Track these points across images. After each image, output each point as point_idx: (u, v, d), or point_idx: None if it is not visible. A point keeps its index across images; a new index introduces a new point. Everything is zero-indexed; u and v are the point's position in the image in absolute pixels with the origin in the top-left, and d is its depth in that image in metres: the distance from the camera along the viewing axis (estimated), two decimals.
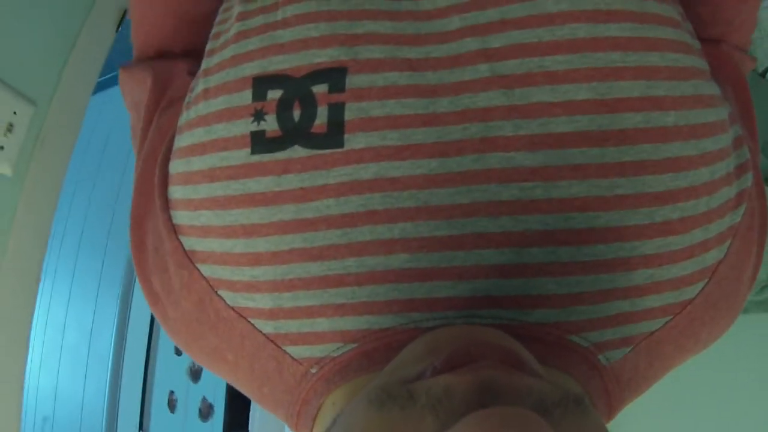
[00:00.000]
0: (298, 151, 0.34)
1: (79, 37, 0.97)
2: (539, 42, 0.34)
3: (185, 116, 0.39)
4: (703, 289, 0.36)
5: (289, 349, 0.35)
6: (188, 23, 0.48)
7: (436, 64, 0.34)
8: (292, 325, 0.35)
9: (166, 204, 0.38)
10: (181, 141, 0.38)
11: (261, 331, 0.36)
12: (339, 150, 0.34)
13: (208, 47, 0.40)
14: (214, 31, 0.41)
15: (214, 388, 1.60)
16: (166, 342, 1.49)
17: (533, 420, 0.22)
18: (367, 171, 0.34)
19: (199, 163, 0.37)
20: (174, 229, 0.38)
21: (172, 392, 1.52)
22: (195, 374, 1.56)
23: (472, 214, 0.34)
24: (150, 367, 1.56)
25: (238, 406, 1.53)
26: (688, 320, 0.36)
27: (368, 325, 0.34)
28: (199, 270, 0.37)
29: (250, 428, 1.26)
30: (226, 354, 0.37)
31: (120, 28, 1.11)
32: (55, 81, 0.92)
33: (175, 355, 1.55)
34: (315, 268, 0.34)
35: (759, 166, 0.39)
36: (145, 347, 1.56)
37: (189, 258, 0.37)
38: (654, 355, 0.37)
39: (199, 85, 0.38)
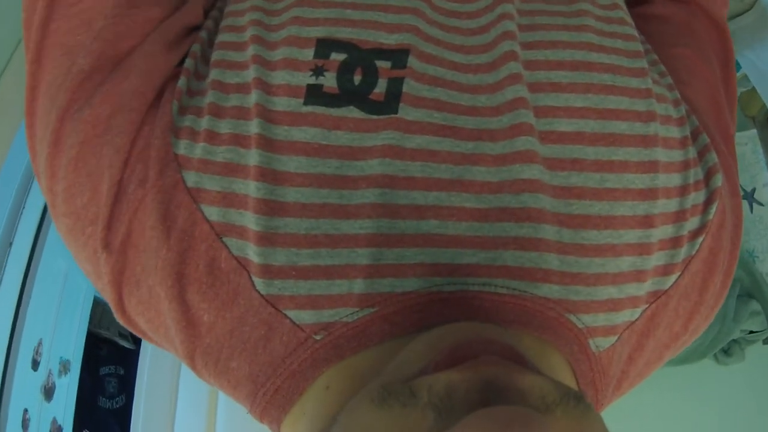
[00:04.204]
0: (353, 111, 0.37)
1: None
2: (546, 60, 0.40)
3: (220, 54, 0.39)
4: (676, 281, 0.40)
5: (292, 312, 0.35)
6: None
7: (477, 68, 0.40)
8: (303, 286, 0.35)
9: (168, 126, 0.36)
10: (218, 76, 0.38)
11: (260, 292, 0.35)
12: (393, 116, 0.37)
13: (265, 5, 0.41)
14: None
15: (63, 410, 1.40)
16: (25, 354, 1.38)
17: (535, 419, 0.22)
18: (412, 141, 0.37)
19: (240, 99, 0.37)
20: (177, 160, 0.36)
21: (26, 411, 1.37)
22: (48, 392, 1.39)
23: (497, 191, 0.37)
24: (6, 382, 1.23)
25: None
26: (663, 311, 0.40)
27: (390, 288, 0.35)
28: (202, 211, 0.35)
29: None
30: (202, 315, 0.35)
31: None
32: (10, 53, 0.87)
33: (32, 371, 1.37)
34: (346, 226, 0.35)
35: (732, 166, 0.45)
36: (3, 360, 1.27)
37: (192, 196, 0.35)
38: (634, 348, 0.40)
39: (248, 32, 0.39)
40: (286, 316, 0.35)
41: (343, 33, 0.39)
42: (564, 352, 0.38)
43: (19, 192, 1.38)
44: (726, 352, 1.22)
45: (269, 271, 0.35)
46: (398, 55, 0.38)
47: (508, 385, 0.26)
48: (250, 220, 0.35)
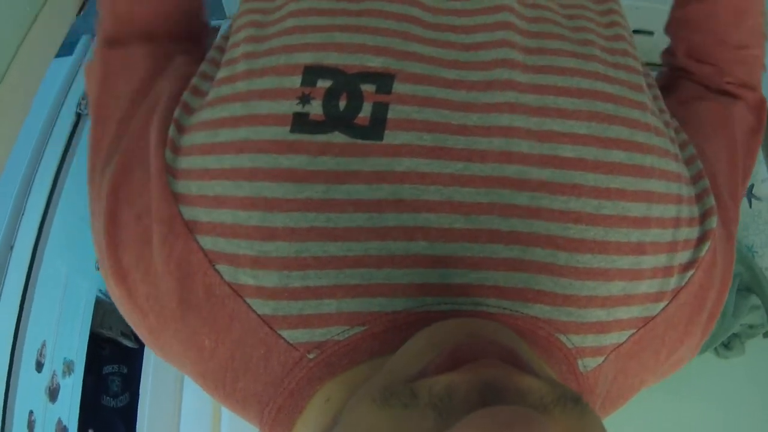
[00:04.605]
0: (338, 137, 0.37)
1: (39, 15, 0.93)
2: (554, 85, 0.41)
3: (214, 93, 0.41)
4: (664, 308, 0.41)
5: (286, 332, 0.36)
6: (182, 5, 0.51)
7: (470, 86, 0.40)
8: (294, 307, 0.36)
9: (164, 169, 0.39)
10: (208, 114, 0.40)
11: (256, 312, 0.36)
12: (378, 142, 0.37)
13: (247, 33, 0.42)
14: (252, 18, 0.44)
15: (68, 410, 1.41)
16: (29, 356, 1.39)
17: (534, 419, 0.22)
18: (401, 164, 0.37)
19: (229, 134, 0.38)
20: (174, 197, 0.38)
21: (31, 412, 1.38)
22: (53, 393, 1.40)
23: (488, 212, 0.38)
24: (11, 385, 1.24)
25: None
26: (650, 336, 0.41)
27: (379, 308, 0.36)
28: (197, 242, 0.37)
29: None
30: (203, 339, 0.37)
31: (81, 13, 1.08)
32: (11, 57, 0.86)
33: (36, 372, 1.37)
34: (334, 248, 0.36)
35: (732, 215, 0.46)
36: (7, 363, 1.27)
37: (188, 228, 0.37)
38: (620, 369, 0.41)
39: (240, 65, 0.41)
40: (280, 336, 0.36)
41: (330, 59, 0.39)
42: (554, 370, 0.39)
43: (19, 195, 1.38)
44: (726, 345, 1.24)
45: (263, 293, 0.36)
46: (383, 80, 0.39)
47: (507, 386, 0.26)
48: (242, 246, 0.36)
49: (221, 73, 0.42)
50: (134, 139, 0.42)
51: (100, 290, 1.83)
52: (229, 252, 0.37)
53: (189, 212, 0.38)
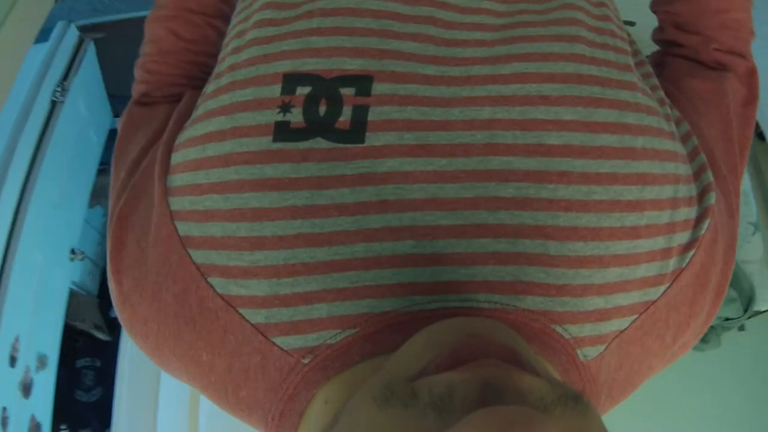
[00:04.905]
0: (319, 143, 0.37)
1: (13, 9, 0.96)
2: (537, 72, 0.40)
3: (203, 108, 0.41)
4: (665, 291, 0.40)
5: (279, 340, 0.36)
6: (199, 65, 0.53)
7: (450, 81, 0.40)
8: (286, 314, 0.36)
9: (165, 192, 0.40)
10: (195, 131, 0.41)
11: (249, 321, 0.36)
12: (359, 145, 0.37)
13: (232, 45, 0.43)
14: (236, 29, 0.44)
15: (42, 405, 1.37)
16: (2, 350, 1.35)
17: (534, 418, 0.22)
18: (384, 165, 0.37)
19: (215, 148, 0.39)
20: (170, 215, 0.39)
21: (5, 409, 1.34)
22: (26, 389, 1.36)
23: (473, 207, 0.38)
24: None
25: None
26: (652, 321, 0.40)
27: (369, 309, 0.36)
28: (190, 256, 0.38)
29: None
30: (201, 354, 0.38)
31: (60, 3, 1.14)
32: None
33: (9, 367, 1.33)
34: (321, 254, 0.36)
35: (732, 188, 0.45)
36: None
37: (182, 243, 0.38)
38: (624, 356, 0.40)
39: (224, 79, 0.41)
40: (274, 343, 0.37)
41: (308, 65, 0.40)
42: (553, 362, 0.38)
43: None
44: (702, 338, 1.26)
45: (254, 302, 0.37)
46: (362, 82, 0.39)
47: (507, 386, 0.26)
48: (232, 258, 0.37)
49: (209, 87, 0.43)
50: (143, 173, 0.43)
51: (73, 282, 1.79)
52: (220, 264, 0.37)
53: (183, 228, 0.39)
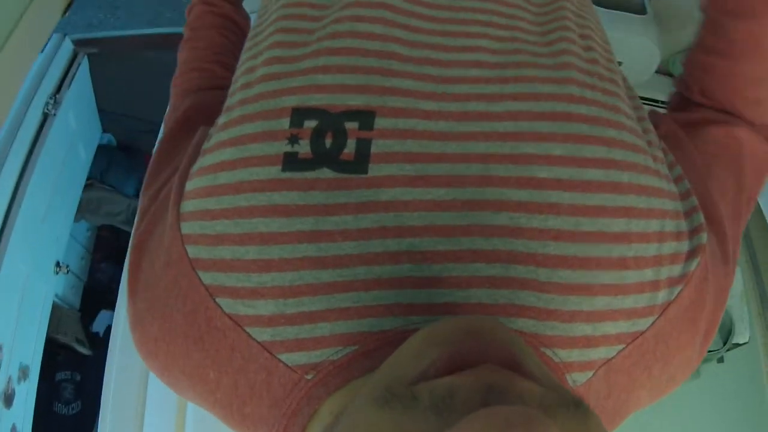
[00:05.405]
0: (325, 173, 0.40)
1: (25, 14, 0.96)
2: (529, 111, 0.43)
3: (215, 138, 0.44)
4: (654, 323, 0.41)
5: (284, 356, 0.38)
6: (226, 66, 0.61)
7: (448, 116, 0.42)
8: (290, 332, 0.38)
9: (178, 218, 0.42)
10: (208, 160, 0.43)
11: (256, 339, 0.38)
12: (363, 175, 0.40)
13: (242, 80, 0.46)
14: (246, 66, 0.47)
15: (23, 416, 1.35)
16: None
17: (536, 418, 0.22)
18: (385, 194, 0.40)
19: (226, 177, 0.41)
20: (182, 239, 0.41)
21: None
22: (8, 399, 1.34)
23: (469, 234, 0.40)
24: None
25: None
26: (640, 352, 0.41)
27: (369, 328, 0.38)
28: (199, 277, 0.40)
29: None
30: (208, 372, 0.40)
31: (67, 14, 1.13)
32: None
33: None
34: (325, 275, 0.38)
35: (731, 233, 0.47)
36: None
37: (192, 265, 0.40)
38: (612, 384, 0.41)
39: (235, 112, 0.44)
40: (280, 360, 0.38)
41: (315, 100, 0.42)
42: None
43: None
44: None
45: (261, 321, 0.39)
46: (365, 117, 0.42)
47: (509, 389, 0.27)
48: (240, 279, 0.39)
49: (221, 119, 0.45)
50: (161, 202, 0.46)
51: (57, 295, 1.79)
52: (228, 285, 0.39)
53: (193, 251, 0.41)
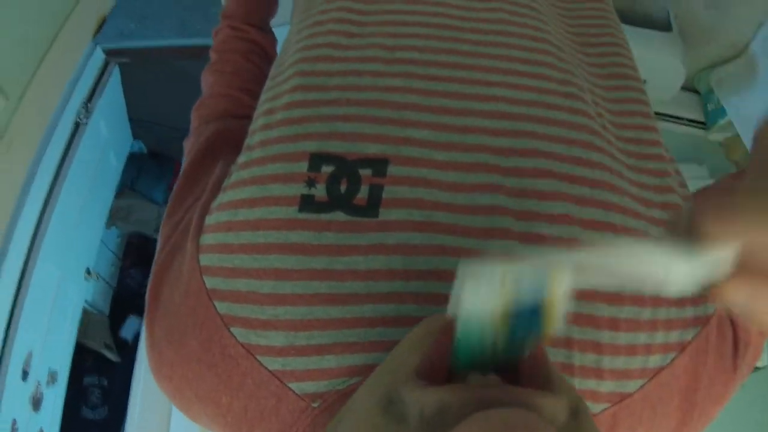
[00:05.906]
0: (339, 216, 0.42)
1: (57, 39, 0.99)
2: (534, 168, 0.44)
3: (236, 176, 0.46)
4: (642, 386, 0.41)
5: (293, 385, 0.40)
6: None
7: (458, 167, 0.44)
8: (300, 363, 0.40)
9: (197, 250, 0.44)
10: (228, 196, 0.45)
11: (267, 368, 0.40)
12: (374, 219, 0.42)
13: (261, 121, 0.48)
14: (265, 107, 0.49)
15: (50, 420, 1.38)
16: (16, 363, 1.36)
17: (534, 420, 0.23)
18: (393, 238, 0.41)
19: (246, 214, 0.43)
20: (200, 270, 0.43)
21: (15, 421, 1.35)
22: (36, 403, 1.37)
23: None
24: None
25: None
26: (627, 414, 0.41)
27: (374, 361, 0.39)
28: (215, 307, 0.41)
29: None
30: (220, 396, 0.42)
31: (97, 35, 1.15)
32: (29, 78, 0.86)
33: (21, 381, 1.34)
34: (335, 312, 0.40)
35: (752, 348, 0.45)
36: None
37: (209, 296, 0.42)
38: None
39: (256, 152, 0.46)
40: (289, 388, 0.40)
41: (333, 146, 0.44)
42: None
43: (19, 197, 1.37)
44: None
45: (272, 351, 0.40)
46: (379, 164, 0.43)
47: (502, 401, 0.27)
48: (255, 311, 0.41)
49: (241, 158, 0.47)
50: (180, 233, 0.47)
51: (86, 301, 1.81)
52: (242, 316, 0.41)
53: (211, 282, 0.42)
